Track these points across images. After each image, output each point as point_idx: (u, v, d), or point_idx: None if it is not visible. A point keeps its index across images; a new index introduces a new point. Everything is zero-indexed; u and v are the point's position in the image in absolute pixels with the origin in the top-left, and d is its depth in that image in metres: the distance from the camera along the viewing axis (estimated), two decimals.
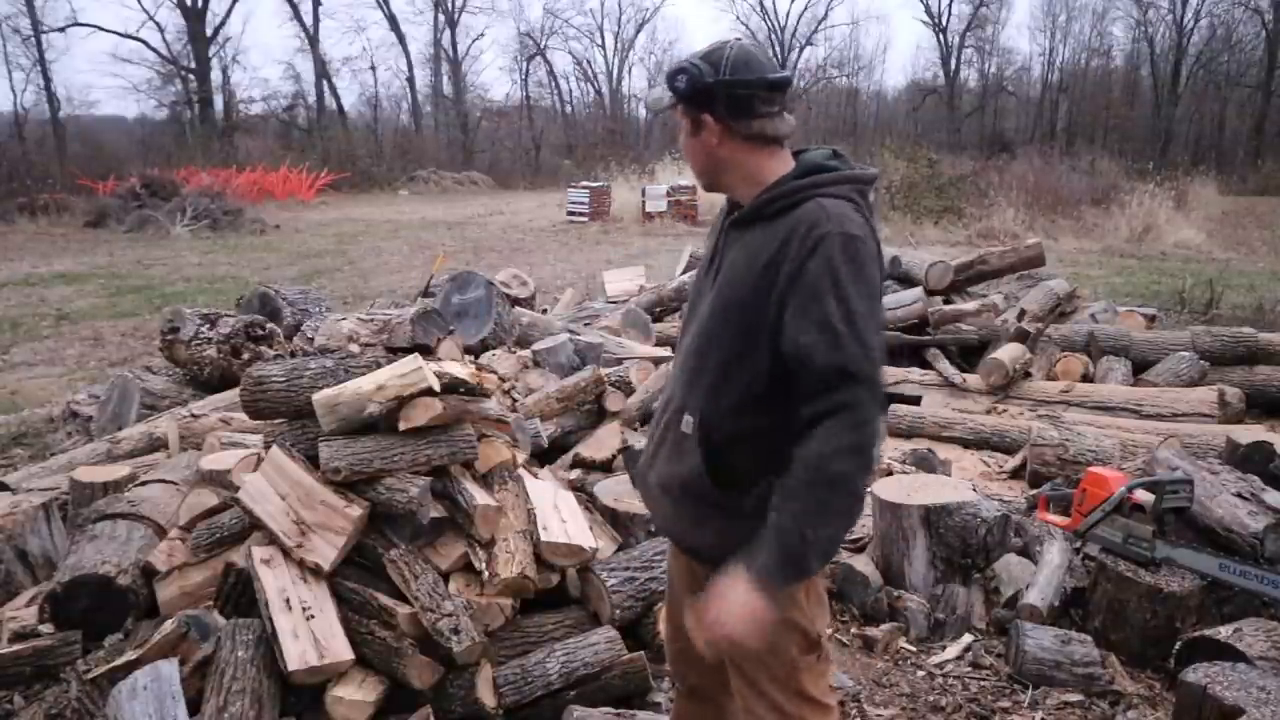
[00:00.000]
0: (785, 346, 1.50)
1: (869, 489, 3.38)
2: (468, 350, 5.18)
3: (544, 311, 7.34)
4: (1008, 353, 5.92)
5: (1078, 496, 3.28)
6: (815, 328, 1.46)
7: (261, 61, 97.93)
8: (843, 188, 1.56)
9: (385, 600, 2.39)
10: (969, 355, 6.53)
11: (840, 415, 1.45)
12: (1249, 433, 4.34)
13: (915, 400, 5.93)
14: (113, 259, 13.25)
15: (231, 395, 4.37)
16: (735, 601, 1.49)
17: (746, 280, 1.56)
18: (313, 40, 38.27)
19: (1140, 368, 6.08)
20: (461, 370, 2.78)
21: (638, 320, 6.71)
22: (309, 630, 2.28)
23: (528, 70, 43.73)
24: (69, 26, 32.42)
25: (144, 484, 3.37)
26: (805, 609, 1.66)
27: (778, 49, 43.21)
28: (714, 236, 1.73)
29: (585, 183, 20.42)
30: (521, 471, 2.98)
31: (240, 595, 2.52)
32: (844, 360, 1.45)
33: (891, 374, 6.22)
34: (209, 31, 34.97)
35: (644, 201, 18.75)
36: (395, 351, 4.29)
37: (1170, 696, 2.69)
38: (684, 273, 8.37)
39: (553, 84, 45.14)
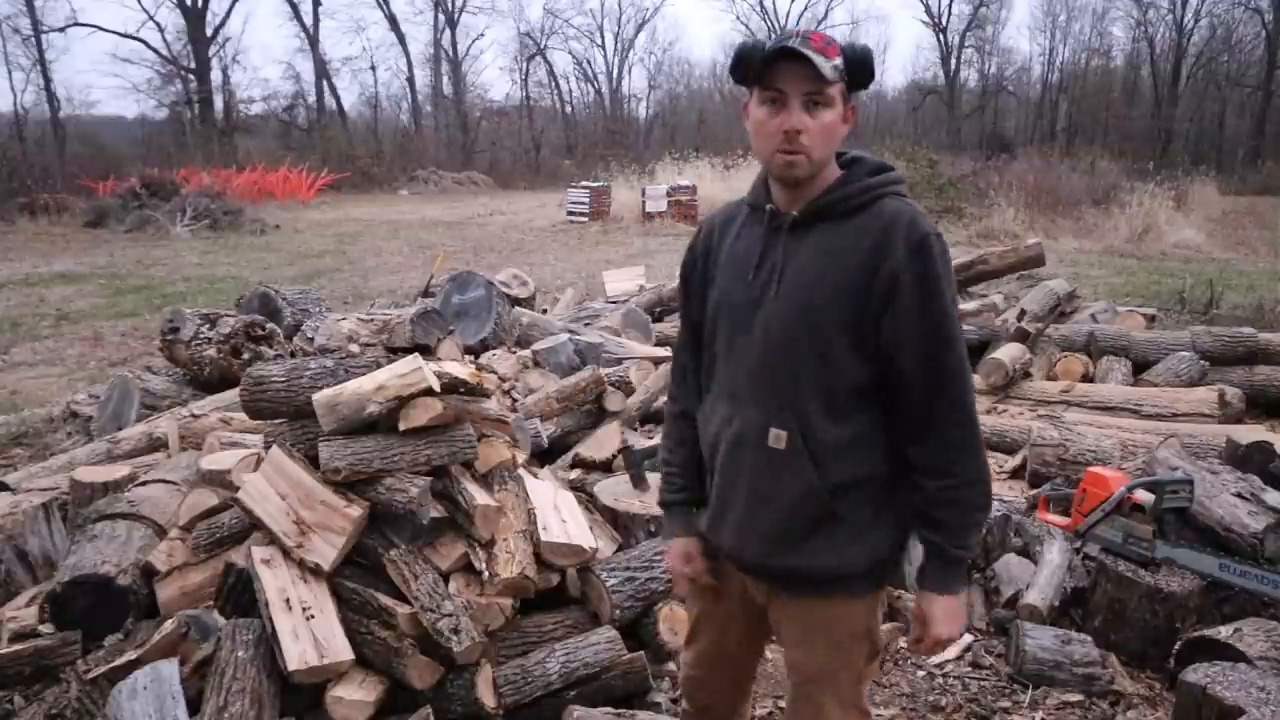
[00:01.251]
0: (885, 343, 1.50)
1: None
2: (468, 350, 5.19)
3: (544, 311, 7.34)
4: (1008, 353, 5.92)
5: (1078, 496, 3.28)
6: (930, 327, 1.48)
7: (261, 61, 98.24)
8: (902, 186, 1.59)
9: (385, 600, 2.39)
10: (969, 355, 6.53)
11: (958, 412, 1.51)
12: (1249, 433, 4.34)
13: None
14: (113, 259, 13.24)
15: (231, 395, 4.37)
16: (944, 618, 1.58)
17: (834, 282, 1.50)
18: (313, 40, 38.33)
19: (1140, 368, 6.08)
20: (461, 370, 2.78)
21: (638, 320, 6.71)
22: (309, 630, 2.28)
23: (528, 70, 43.81)
24: (69, 26, 32.57)
25: (144, 484, 3.36)
26: (878, 617, 1.69)
27: None
28: (745, 241, 1.62)
29: (585, 183, 20.41)
30: (521, 471, 2.98)
31: (240, 595, 2.52)
32: (956, 357, 1.51)
33: None
34: (209, 31, 35.05)
35: (644, 201, 18.75)
36: (395, 351, 4.29)
37: (1170, 696, 2.68)
38: None
39: (553, 84, 45.23)
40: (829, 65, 1.45)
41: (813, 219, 1.55)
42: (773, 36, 1.55)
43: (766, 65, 1.47)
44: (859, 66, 1.51)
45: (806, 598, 1.63)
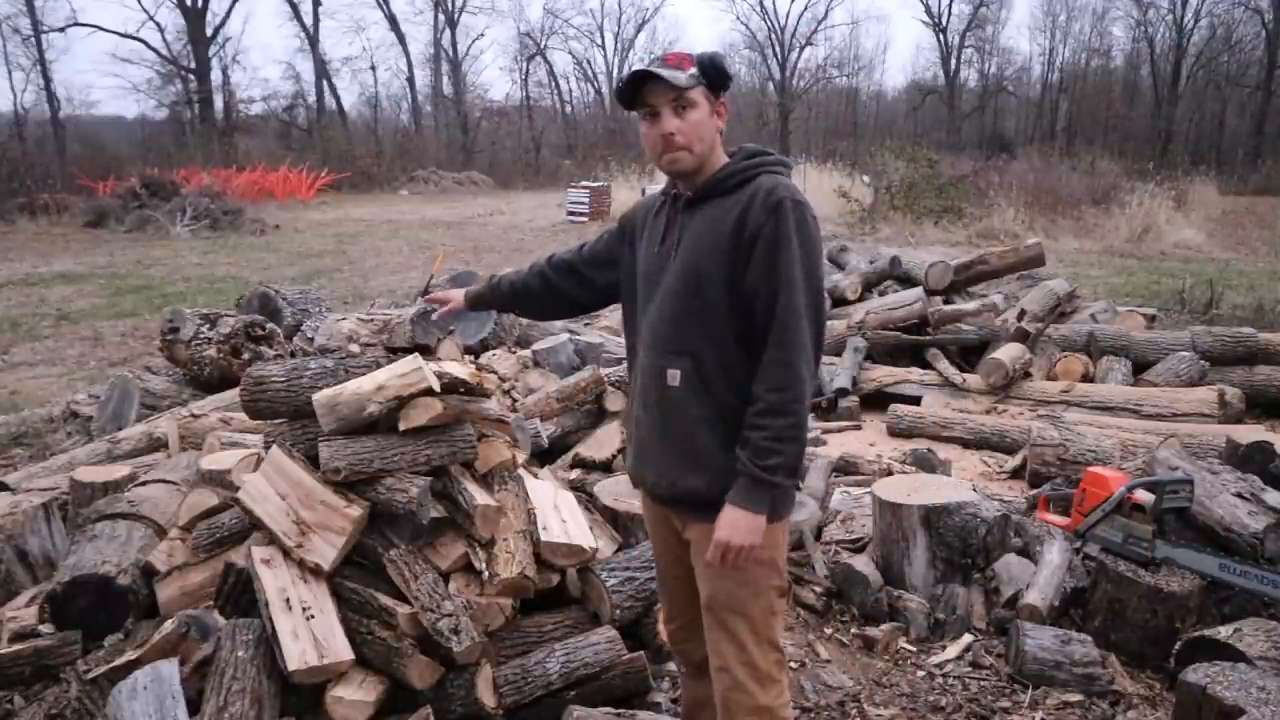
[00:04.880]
0: (748, 292, 1.75)
1: (873, 489, 3.47)
2: (468, 350, 5.19)
3: None
4: (1008, 353, 5.92)
5: (1078, 496, 3.28)
6: (775, 274, 1.72)
7: (261, 61, 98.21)
8: (780, 169, 1.84)
9: (385, 600, 2.39)
10: (969, 355, 6.53)
11: (782, 350, 1.71)
12: (1249, 433, 4.34)
13: (915, 400, 5.93)
14: (113, 259, 13.25)
15: (231, 395, 4.37)
16: (729, 523, 1.75)
17: (712, 244, 1.78)
18: (313, 40, 38.33)
19: (1140, 368, 6.08)
20: (461, 370, 2.78)
21: None
22: (309, 630, 2.28)
23: (528, 70, 43.83)
24: (69, 26, 32.56)
25: (144, 484, 3.37)
26: (782, 549, 1.91)
27: (778, 49, 43.26)
28: (658, 221, 1.93)
29: (585, 183, 20.44)
30: (521, 471, 2.98)
31: (240, 595, 2.51)
32: (793, 306, 1.71)
33: (891, 374, 6.22)
34: (209, 31, 35.03)
35: None
36: (395, 351, 4.29)
37: (1170, 696, 2.69)
38: None
39: (553, 84, 45.25)
40: (683, 76, 1.75)
41: (702, 198, 1.84)
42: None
43: (635, 89, 1.77)
44: (711, 70, 1.79)
45: (712, 523, 1.81)
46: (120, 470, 3.57)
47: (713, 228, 1.79)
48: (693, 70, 1.76)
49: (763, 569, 1.83)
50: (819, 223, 1.80)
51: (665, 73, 1.73)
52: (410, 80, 41.69)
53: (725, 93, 1.83)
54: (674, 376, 1.81)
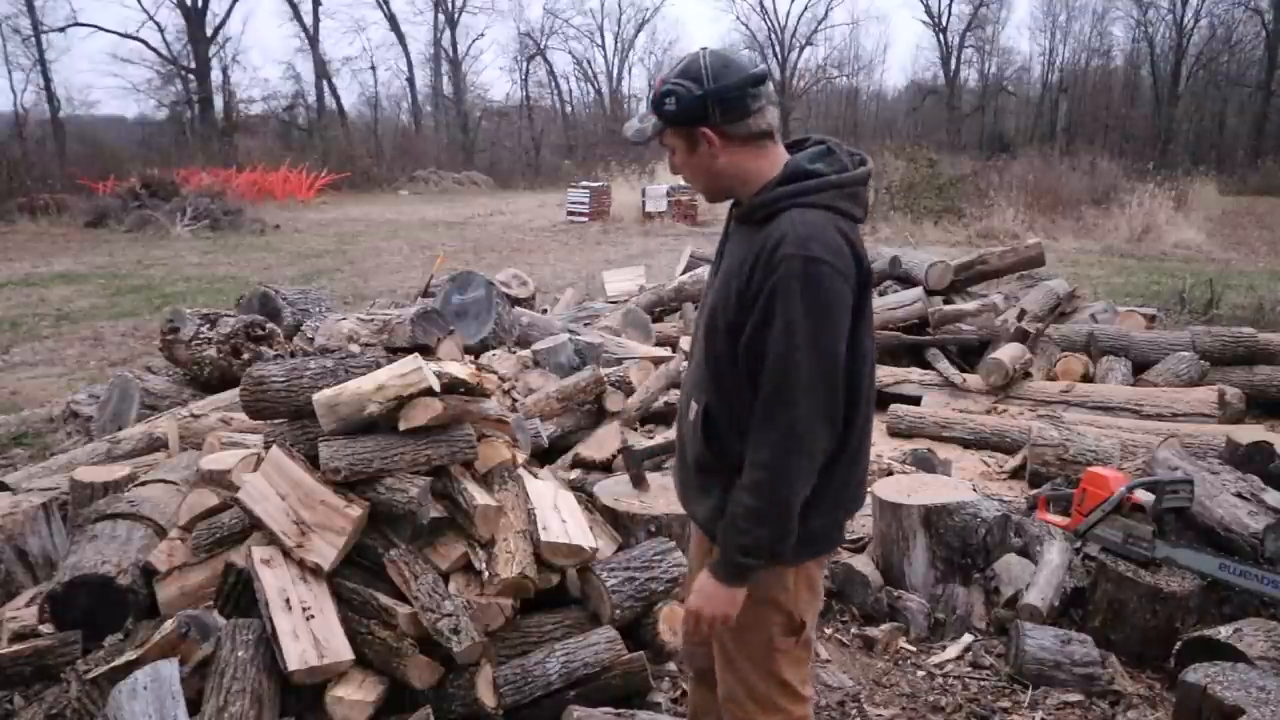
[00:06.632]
0: (749, 345, 1.58)
1: (868, 497, 3.44)
2: (468, 350, 5.18)
3: (544, 311, 7.34)
4: (1008, 353, 5.92)
5: (1078, 496, 3.28)
6: (767, 339, 1.53)
7: (261, 61, 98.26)
8: (824, 195, 1.58)
9: (385, 600, 2.39)
10: (969, 355, 6.53)
11: (777, 426, 1.54)
12: (1249, 433, 4.34)
13: (915, 400, 5.93)
14: (113, 259, 13.25)
15: (231, 395, 4.37)
16: (699, 591, 1.68)
17: (730, 282, 1.63)
18: (313, 40, 38.34)
19: (1140, 368, 6.08)
20: (461, 370, 2.78)
21: (638, 320, 6.71)
22: (309, 630, 2.28)
23: (528, 70, 43.82)
24: (69, 26, 32.52)
25: (144, 484, 3.36)
26: (792, 592, 1.74)
27: (778, 49, 43.26)
28: (723, 235, 1.82)
29: (585, 183, 20.43)
30: (521, 471, 2.98)
31: (240, 595, 2.52)
32: (785, 374, 1.52)
33: (891, 374, 6.22)
34: (209, 31, 35.04)
35: (644, 201, 18.75)
36: (395, 351, 4.28)
37: (1170, 696, 2.69)
38: (684, 272, 8.38)
39: (553, 84, 45.23)
40: (649, 124, 1.62)
41: (740, 222, 1.70)
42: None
43: None
44: (665, 109, 1.59)
45: (713, 544, 1.77)
46: (120, 470, 3.56)
47: (736, 267, 1.62)
48: (667, 104, 1.58)
49: (762, 608, 1.71)
50: (840, 277, 1.52)
51: (629, 131, 1.66)
52: (410, 80, 41.74)
53: (711, 116, 1.56)
54: (693, 410, 1.76)
